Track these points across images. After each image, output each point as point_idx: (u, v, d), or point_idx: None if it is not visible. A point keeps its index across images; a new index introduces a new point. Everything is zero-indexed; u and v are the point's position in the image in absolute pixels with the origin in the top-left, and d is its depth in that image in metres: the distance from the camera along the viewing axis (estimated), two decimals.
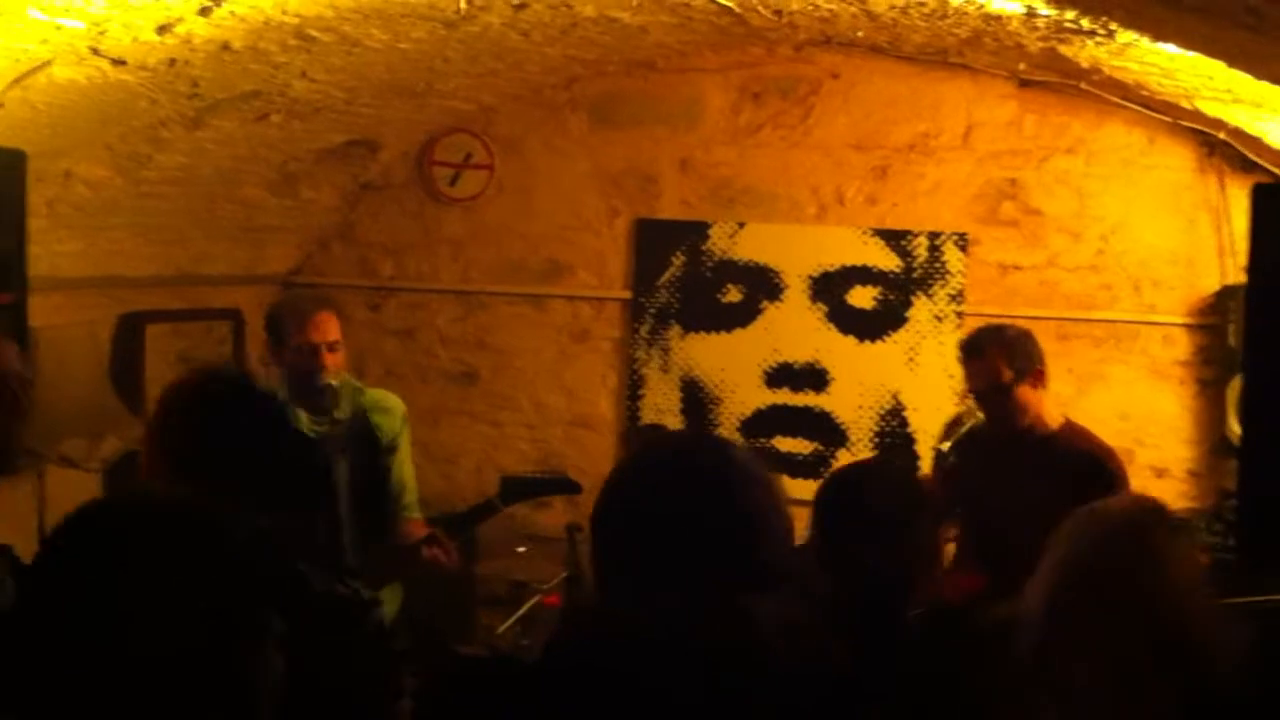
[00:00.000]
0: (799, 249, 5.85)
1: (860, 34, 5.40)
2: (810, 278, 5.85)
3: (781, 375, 5.90)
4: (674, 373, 6.00)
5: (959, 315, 5.72)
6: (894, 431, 5.79)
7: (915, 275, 5.76)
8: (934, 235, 5.74)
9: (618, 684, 1.65)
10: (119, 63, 3.47)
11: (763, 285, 5.89)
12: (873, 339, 5.81)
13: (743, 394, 5.94)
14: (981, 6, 4.28)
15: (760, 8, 4.78)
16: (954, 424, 4.43)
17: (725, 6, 4.72)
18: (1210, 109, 4.99)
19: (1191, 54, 4.00)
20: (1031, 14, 4.22)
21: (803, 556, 2.04)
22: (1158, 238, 5.60)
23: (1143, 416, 5.62)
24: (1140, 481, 5.55)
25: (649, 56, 5.79)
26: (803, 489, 3.20)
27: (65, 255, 4.44)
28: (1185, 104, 5.09)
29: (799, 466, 5.72)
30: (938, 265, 5.74)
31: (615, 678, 1.66)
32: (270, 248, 5.96)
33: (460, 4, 3.89)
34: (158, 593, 1.50)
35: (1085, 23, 4.12)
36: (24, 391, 2.78)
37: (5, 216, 3.64)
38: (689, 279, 5.95)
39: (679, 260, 5.96)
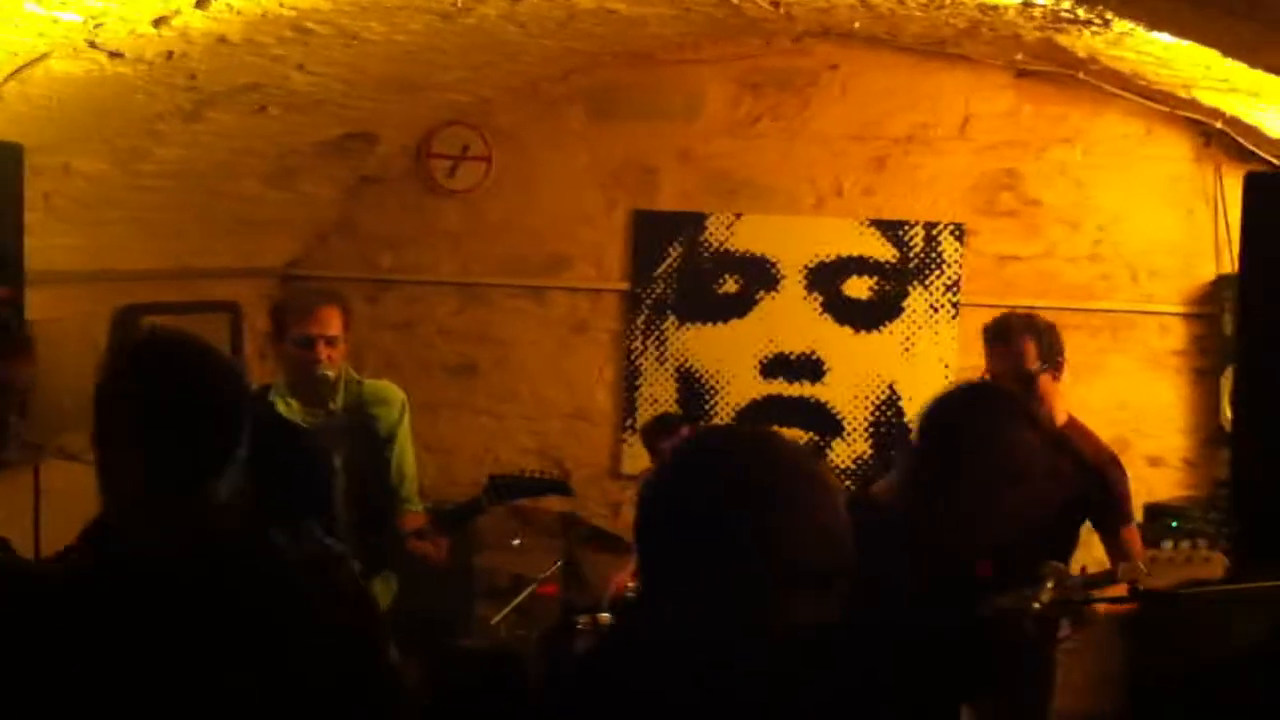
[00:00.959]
0: (795, 240, 5.86)
1: (857, 25, 5.40)
2: (806, 268, 5.85)
3: (777, 365, 5.90)
4: (670, 363, 6.01)
5: (955, 306, 5.72)
6: (890, 422, 5.79)
7: (911, 266, 5.77)
8: (930, 226, 5.75)
9: (650, 696, 1.64)
10: (116, 56, 3.48)
11: (759, 276, 5.90)
12: (869, 329, 5.82)
13: (739, 384, 5.95)
14: None
15: None
16: None
17: None
18: (1207, 98, 4.99)
19: (1187, 43, 4.01)
20: (1028, 3, 4.23)
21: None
22: (1155, 228, 5.61)
23: (1139, 406, 5.63)
24: (1136, 471, 5.54)
25: (647, 48, 5.80)
26: None
27: (63, 249, 4.45)
28: (1182, 93, 5.10)
29: None
30: (934, 256, 5.75)
31: (647, 688, 1.65)
32: (268, 241, 5.97)
33: None
34: None
35: (1081, 12, 4.12)
36: None
37: (2, 210, 3.65)
38: (686, 270, 5.96)
39: (676, 251, 5.97)
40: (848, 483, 5.54)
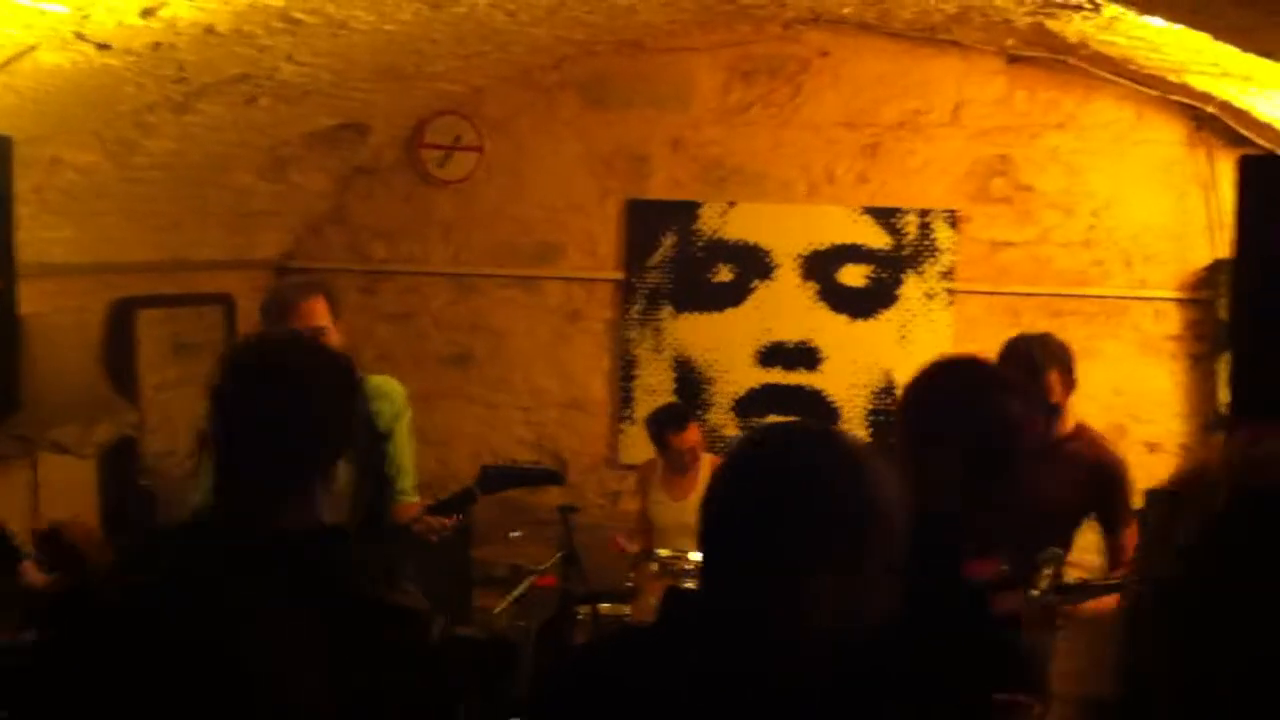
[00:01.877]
0: (789, 228, 5.86)
1: (848, 11, 5.40)
2: (801, 256, 5.85)
3: (773, 354, 5.91)
4: (666, 353, 6.01)
5: (949, 292, 5.72)
6: (886, 409, 5.79)
7: (906, 253, 5.77)
8: (924, 213, 5.74)
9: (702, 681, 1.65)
10: (104, 47, 3.46)
11: (753, 264, 5.89)
12: (864, 317, 5.82)
13: (735, 373, 5.95)
14: None
15: None
16: None
17: None
18: (1198, 83, 4.98)
19: (1178, 27, 4.00)
20: None
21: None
22: (1148, 213, 5.61)
23: (1135, 392, 5.63)
24: (1134, 457, 5.53)
25: (638, 36, 5.78)
26: None
27: (55, 242, 4.43)
28: (1173, 78, 5.09)
29: None
30: (928, 243, 5.75)
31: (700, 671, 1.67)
32: (261, 232, 5.96)
33: None
34: None
35: None
36: None
37: None
38: (680, 259, 5.96)
39: (669, 240, 5.96)
40: None
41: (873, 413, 5.84)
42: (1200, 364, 5.56)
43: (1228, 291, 4.98)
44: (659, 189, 6.01)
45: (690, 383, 5.98)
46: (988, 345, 4.00)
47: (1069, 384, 3.91)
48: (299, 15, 3.78)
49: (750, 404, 5.92)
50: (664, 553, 4.72)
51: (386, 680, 1.87)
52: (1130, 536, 4.00)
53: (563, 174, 6.09)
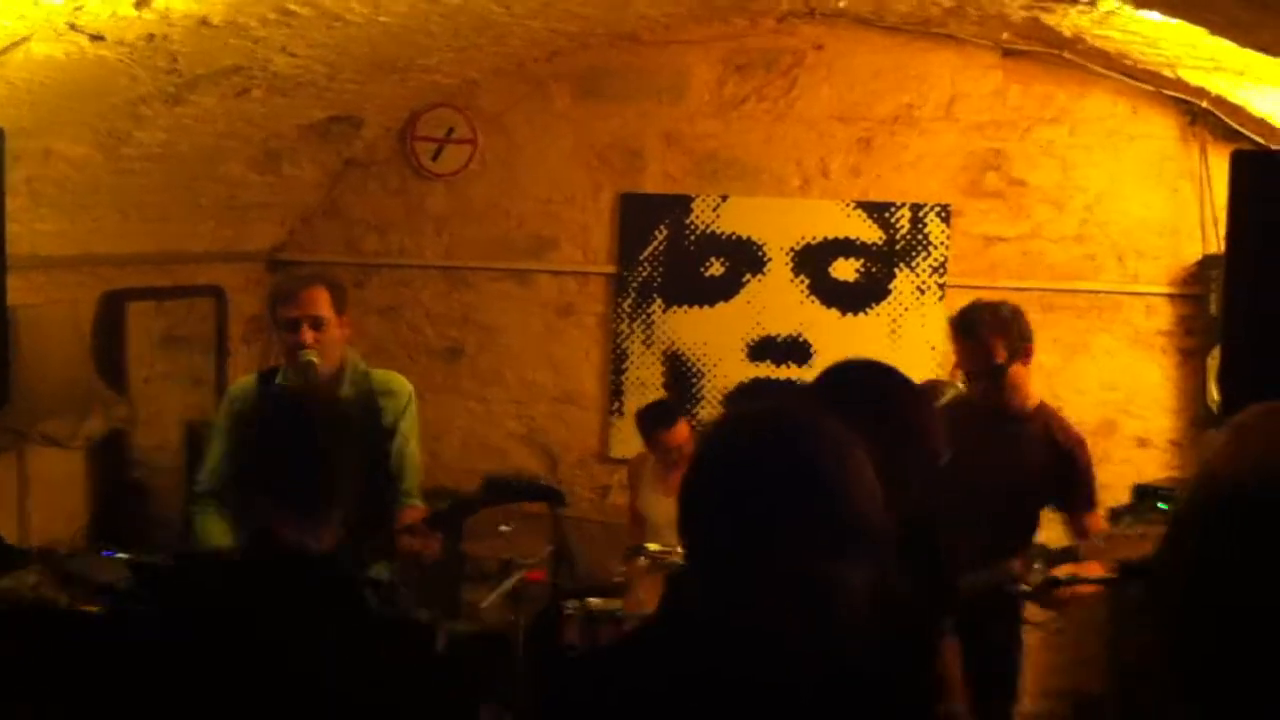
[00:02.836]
0: (781, 222, 5.85)
1: (843, 4, 5.39)
2: (793, 250, 5.85)
3: (764, 348, 5.90)
4: (657, 347, 6.00)
5: (941, 287, 5.72)
6: None
7: (898, 247, 5.76)
8: (916, 207, 5.74)
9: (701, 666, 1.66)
10: (97, 38, 3.44)
11: (746, 258, 5.89)
12: (855, 311, 5.82)
13: (726, 367, 5.94)
14: None
15: None
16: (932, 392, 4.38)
17: None
18: (1193, 78, 4.99)
19: (1174, 21, 4.00)
20: None
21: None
22: (1141, 207, 5.61)
23: (1127, 387, 5.64)
24: (1124, 452, 5.59)
25: (632, 29, 5.77)
26: None
27: (46, 234, 4.42)
28: (1168, 73, 5.09)
29: None
30: (920, 237, 5.75)
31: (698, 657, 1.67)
32: (253, 225, 5.94)
33: None
34: None
35: None
36: None
37: None
38: (672, 253, 5.95)
39: (662, 234, 5.95)
40: None
41: None
42: (1191, 359, 5.57)
43: (1219, 287, 4.98)
44: (652, 183, 6.00)
45: (681, 377, 5.98)
46: None
47: (1017, 351, 3.84)
48: (294, 7, 3.77)
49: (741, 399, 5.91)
50: (654, 547, 4.71)
51: (402, 695, 1.96)
52: (1095, 520, 3.97)
53: (556, 167, 6.08)
